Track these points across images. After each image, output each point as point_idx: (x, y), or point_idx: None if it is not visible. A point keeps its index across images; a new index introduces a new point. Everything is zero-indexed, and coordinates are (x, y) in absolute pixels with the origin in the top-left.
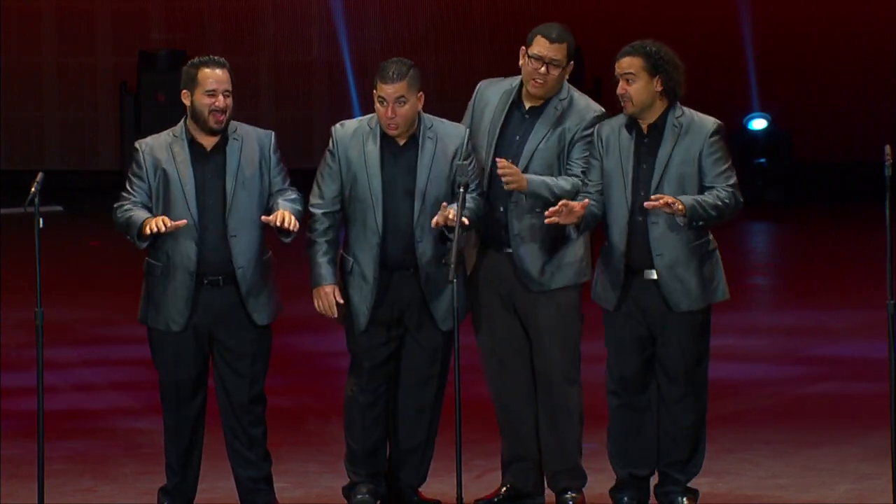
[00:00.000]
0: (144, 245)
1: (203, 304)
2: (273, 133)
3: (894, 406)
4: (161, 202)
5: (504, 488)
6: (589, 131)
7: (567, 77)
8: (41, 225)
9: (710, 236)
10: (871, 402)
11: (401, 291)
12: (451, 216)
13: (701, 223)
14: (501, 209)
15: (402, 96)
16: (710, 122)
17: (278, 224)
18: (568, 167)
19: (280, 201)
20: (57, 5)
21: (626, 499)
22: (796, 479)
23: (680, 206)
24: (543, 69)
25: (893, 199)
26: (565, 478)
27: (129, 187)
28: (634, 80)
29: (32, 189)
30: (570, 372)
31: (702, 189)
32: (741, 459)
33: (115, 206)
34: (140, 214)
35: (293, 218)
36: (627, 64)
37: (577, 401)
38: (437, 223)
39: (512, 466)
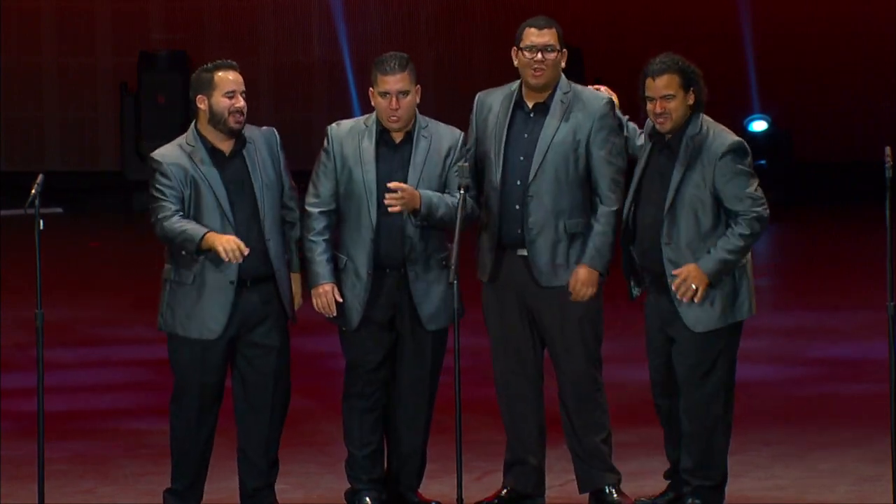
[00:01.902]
0: (200, 257)
1: (238, 308)
2: (275, 129)
3: (894, 407)
4: (192, 212)
5: (504, 490)
6: (605, 121)
7: (563, 65)
8: (41, 226)
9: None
10: (871, 404)
11: (392, 292)
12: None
13: (731, 271)
14: (517, 206)
15: (405, 88)
16: (724, 142)
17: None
18: (595, 180)
19: (293, 252)
20: (57, 5)
21: (665, 493)
22: (796, 481)
23: (701, 290)
24: (539, 56)
25: (893, 201)
26: (598, 479)
27: (161, 199)
28: (672, 99)
29: (33, 191)
30: (582, 379)
31: (719, 211)
32: (741, 461)
33: (159, 216)
34: (196, 229)
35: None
36: (665, 84)
37: (593, 410)
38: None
39: (513, 469)
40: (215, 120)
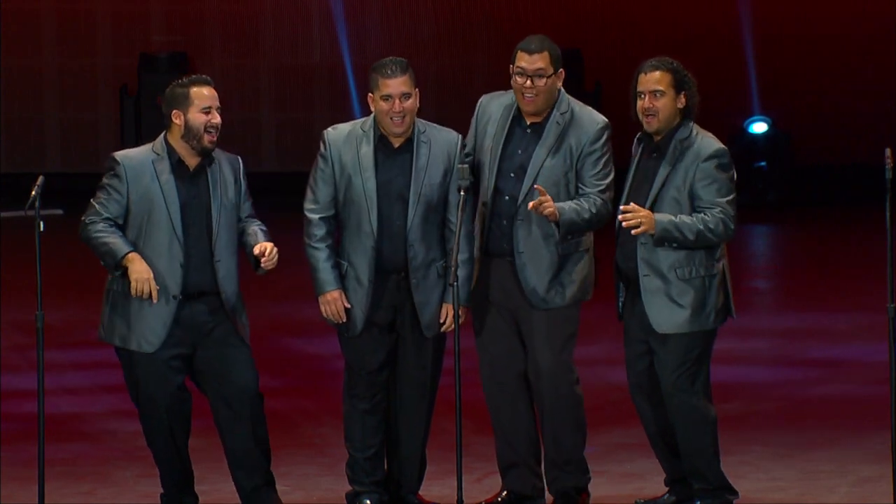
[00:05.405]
0: (117, 273)
1: (183, 322)
2: (240, 158)
3: (894, 409)
4: (143, 222)
5: (504, 493)
6: (596, 145)
7: (560, 85)
8: (42, 228)
9: (714, 261)
10: (871, 405)
11: (394, 295)
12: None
13: (675, 245)
14: (505, 223)
15: (407, 90)
16: (708, 147)
17: (262, 256)
18: (582, 188)
19: (258, 230)
20: (57, 7)
21: (665, 496)
22: (796, 482)
23: (642, 228)
24: (529, 82)
25: (894, 202)
26: (567, 479)
27: (102, 199)
28: (662, 96)
29: (33, 192)
30: (560, 378)
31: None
32: (741, 462)
33: (87, 220)
34: (120, 246)
35: (275, 254)
36: (657, 79)
37: (570, 407)
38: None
39: (510, 472)
40: (190, 136)
